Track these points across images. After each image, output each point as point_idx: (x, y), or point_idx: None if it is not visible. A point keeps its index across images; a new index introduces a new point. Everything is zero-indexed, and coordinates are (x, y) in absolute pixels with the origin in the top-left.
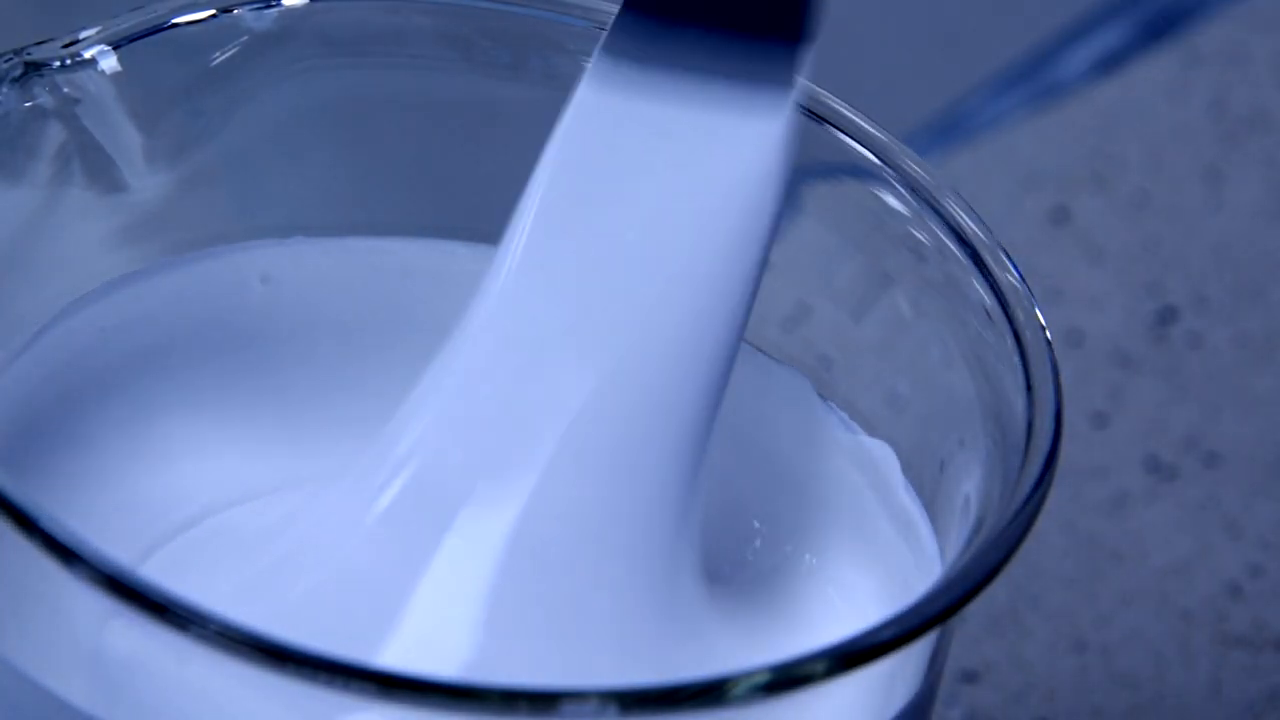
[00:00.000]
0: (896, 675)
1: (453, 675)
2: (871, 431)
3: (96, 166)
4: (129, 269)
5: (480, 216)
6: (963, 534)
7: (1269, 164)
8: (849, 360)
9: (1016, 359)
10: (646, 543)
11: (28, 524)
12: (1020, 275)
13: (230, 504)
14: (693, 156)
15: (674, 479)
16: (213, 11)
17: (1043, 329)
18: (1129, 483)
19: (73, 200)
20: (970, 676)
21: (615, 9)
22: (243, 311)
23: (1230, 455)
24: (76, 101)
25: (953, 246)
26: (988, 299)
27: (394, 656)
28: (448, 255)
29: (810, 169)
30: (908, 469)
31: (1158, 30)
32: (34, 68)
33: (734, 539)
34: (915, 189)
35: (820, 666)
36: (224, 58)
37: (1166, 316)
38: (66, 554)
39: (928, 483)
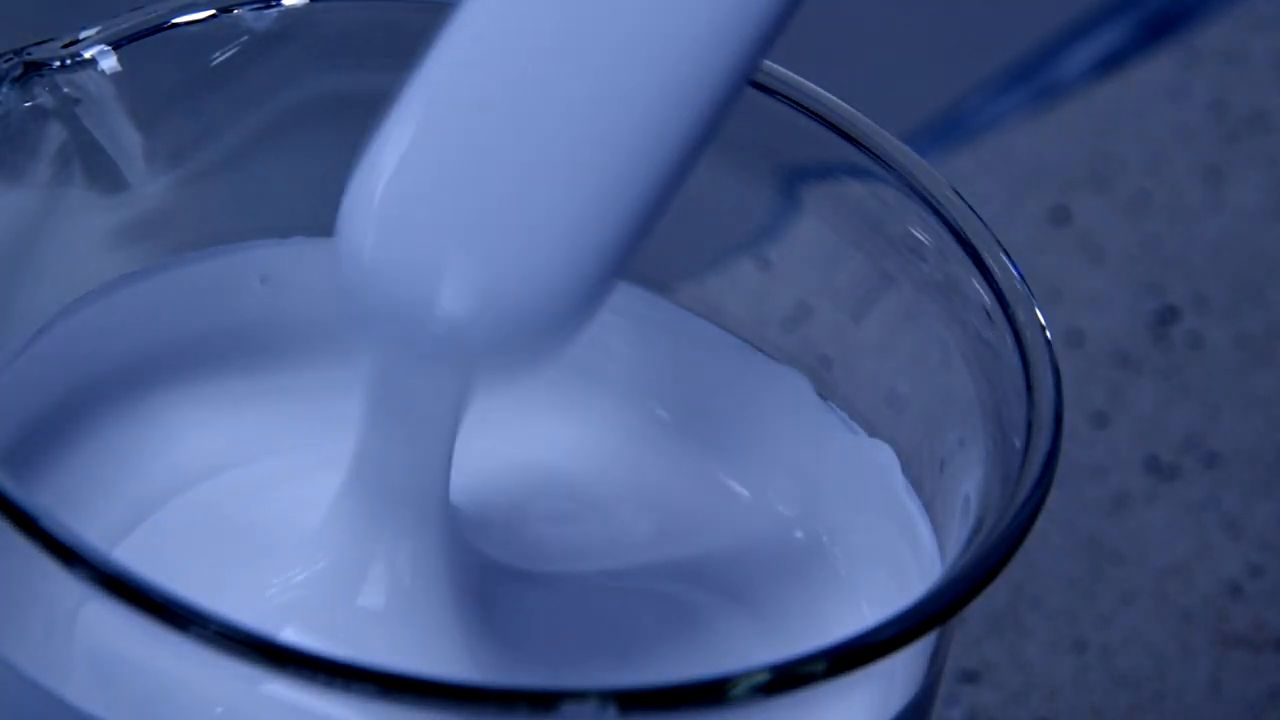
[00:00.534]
0: (896, 675)
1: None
2: (871, 431)
3: (96, 166)
4: (129, 269)
5: None
6: (963, 534)
7: (1269, 164)
8: (849, 360)
9: (1016, 359)
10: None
11: (28, 524)
12: (1020, 275)
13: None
14: None
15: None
16: (213, 11)
17: (1043, 329)
18: (1129, 483)
19: (73, 200)
20: (970, 676)
21: None
22: (242, 311)
23: (1230, 455)
24: (76, 101)
25: (953, 246)
26: (988, 299)
27: None
28: None
29: (810, 169)
30: (908, 469)
31: (1158, 30)
32: (34, 68)
33: (734, 538)
34: (915, 189)
35: (820, 666)
36: (224, 58)
37: (1166, 316)
38: (66, 554)
39: (928, 483)
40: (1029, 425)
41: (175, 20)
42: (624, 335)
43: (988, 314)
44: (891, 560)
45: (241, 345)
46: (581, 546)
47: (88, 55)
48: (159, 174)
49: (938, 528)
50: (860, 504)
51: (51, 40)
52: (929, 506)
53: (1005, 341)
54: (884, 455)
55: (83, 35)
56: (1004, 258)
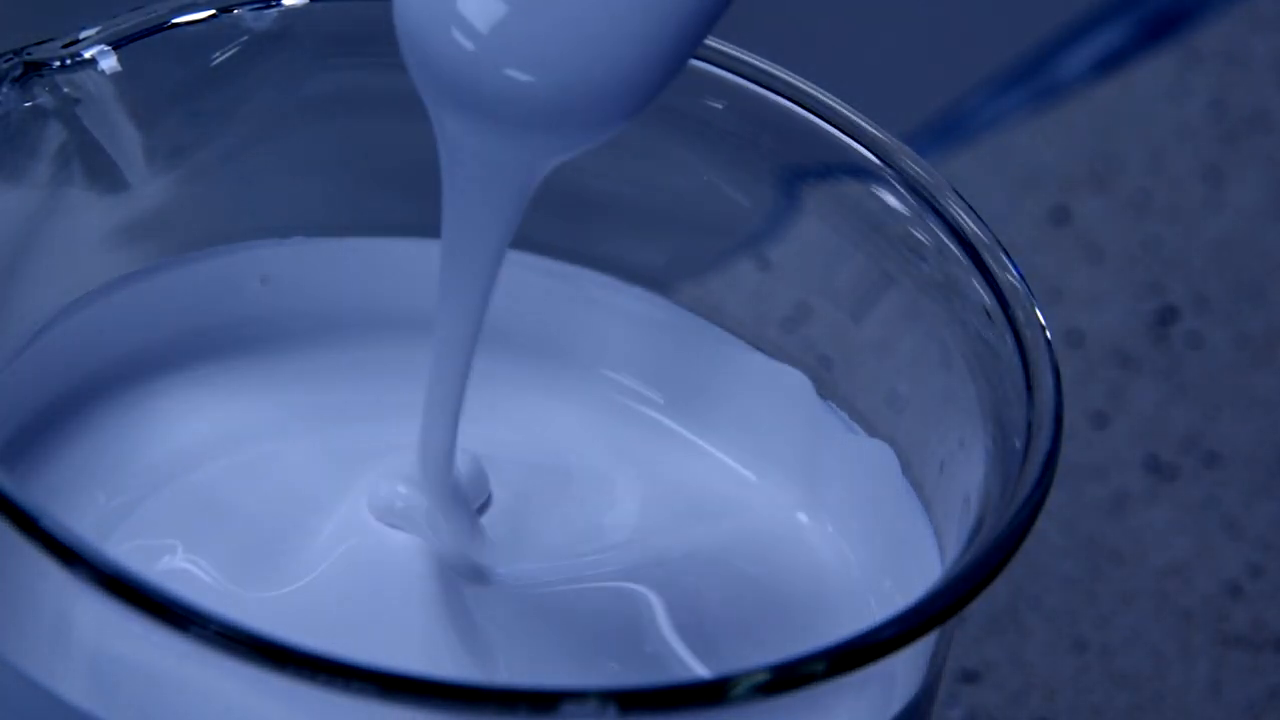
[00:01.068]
0: (896, 675)
1: None
2: (871, 431)
3: (96, 166)
4: (129, 269)
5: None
6: (963, 534)
7: (1269, 164)
8: (849, 360)
9: (1016, 359)
10: None
11: (28, 524)
12: (1020, 275)
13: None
14: None
15: None
16: (213, 11)
17: (1043, 329)
18: (1129, 483)
19: (73, 200)
20: (970, 676)
21: None
22: (242, 311)
23: (1230, 455)
24: (76, 101)
25: (953, 246)
26: (988, 299)
27: None
28: None
29: (810, 169)
30: (908, 469)
31: (1158, 30)
32: (34, 68)
33: (734, 538)
34: (915, 189)
35: (820, 666)
36: (224, 58)
37: (1166, 316)
38: (66, 554)
39: (928, 483)
40: (1029, 425)
41: (175, 20)
42: (625, 335)
43: (988, 314)
44: (891, 559)
45: (241, 345)
46: (582, 532)
47: (88, 55)
48: (159, 174)
49: (938, 528)
50: (860, 504)
51: (51, 40)
52: (929, 506)
53: (1005, 341)
54: (884, 455)
55: (83, 35)
56: (1004, 258)
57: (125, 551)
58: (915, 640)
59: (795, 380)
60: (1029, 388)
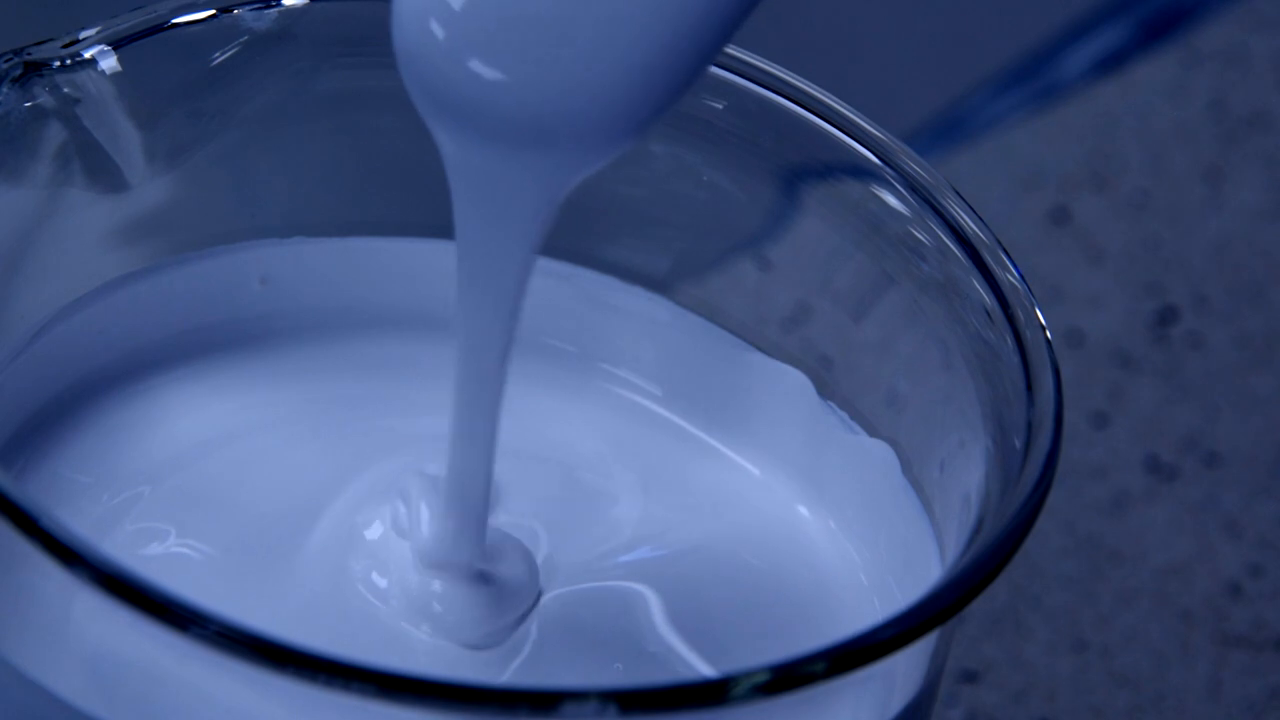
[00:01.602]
0: (896, 675)
1: None
2: (872, 431)
3: (96, 166)
4: (129, 269)
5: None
6: (963, 534)
7: (1269, 164)
8: (849, 360)
9: (1016, 359)
10: None
11: (28, 524)
12: (1020, 275)
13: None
14: None
15: None
16: (213, 11)
17: (1043, 329)
18: (1129, 483)
19: (73, 200)
20: (970, 676)
21: None
22: (242, 312)
23: (1230, 455)
24: (76, 101)
25: (953, 246)
26: (988, 299)
27: None
28: (447, 255)
29: (810, 169)
30: (908, 469)
31: (1158, 30)
32: (34, 68)
33: (737, 533)
34: (915, 189)
35: (820, 666)
36: (224, 58)
37: (1166, 316)
38: (66, 554)
39: (928, 483)
40: (1029, 425)
41: (175, 20)
42: (625, 334)
43: (988, 314)
44: (891, 559)
45: (241, 345)
46: (584, 530)
47: (88, 55)
48: (159, 174)
49: (938, 528)
50: (860, 503)
51: (51, 40)
52: (929, 506)
53: (1005, 341)
54: (884, 455)
55: (83, 35)
56: (1004, 258)
57: (126, 550)
58: (915, 640)
59: (795, 380)
60: (1029, 388)
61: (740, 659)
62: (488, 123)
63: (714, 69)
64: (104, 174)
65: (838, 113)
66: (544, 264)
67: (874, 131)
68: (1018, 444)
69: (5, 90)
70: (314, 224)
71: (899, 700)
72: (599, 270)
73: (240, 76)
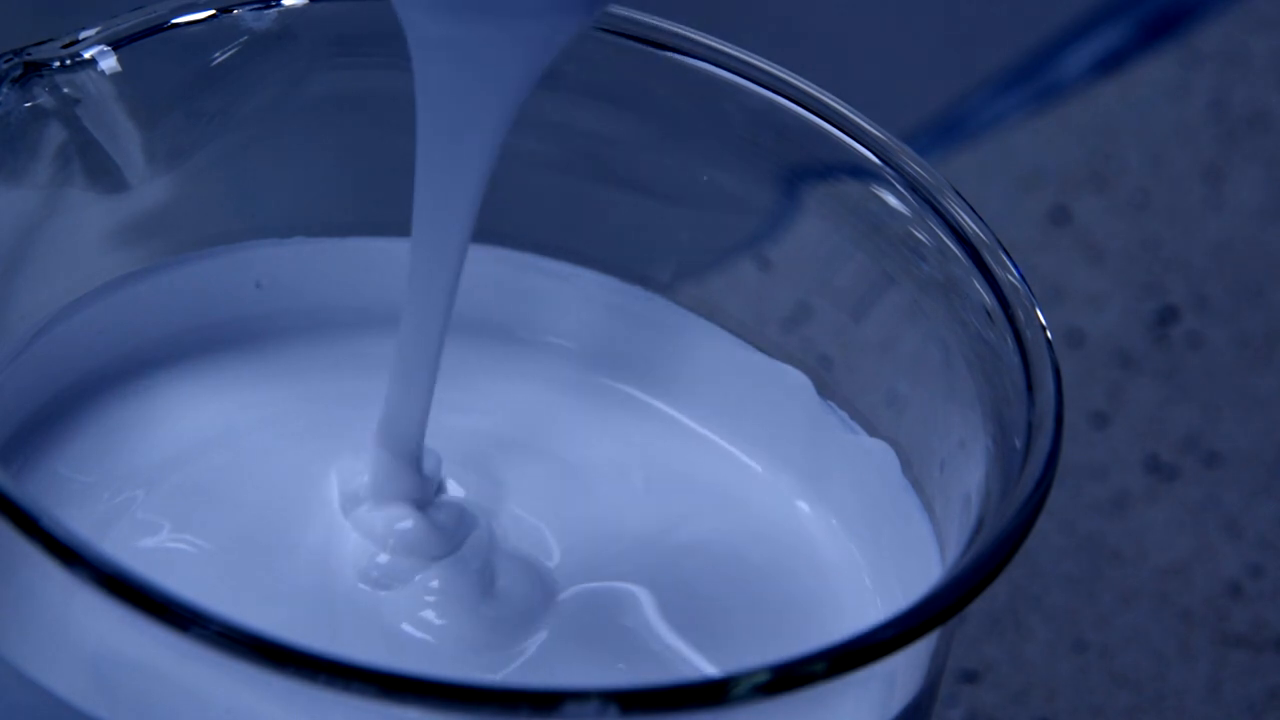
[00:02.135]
0: (897, 675)
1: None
2: (872, 431)
3: (96, 166)
4: (129, 269)
5: (479, 216)
6: (963, 534)
7: (1269, 164)
8: (849, 360)
9: (1016, 359)
10: None
11: (28, 524)
12: (1020, 275)
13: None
14: None
15: None
16: (213, 11)
17: (1043, 329)
18: (1129, 483)
19: (73, 200)
20: (970, 676)
21: None
22: (242, 312)
23: (1230, 455)
24: (76, 101)
25: (953, 246)
26: (988, 299)
27: None
28: None
29: (810, 169)
30: (908, 469)
31: (1158, 30)
32: (34, 68)
33: (738, 530)
34: (915, 189)
35: (820, 666)
36: (224, 58)
37: (1166, 316)
38: (66, 554)
39: (928, 483)
40: (1029, 425)
41: (175, 20)
42: (625, 334)
43: (988, 314)
44: (891, 559)
45: (241, 346)
46: (585, 528)
47: (88, 55)
48: (159, 174)
49: (938, 528)
50: (861, 503)
51: (51, 40)
52: (929, 506)
53: (1005, 341)
54: (884, 455)
55: (83, 35)
56: (1004, 258)
57: (126, 548)
58: (916, 640)
59: (795, 380)
60: (1029, 388)
61: (744, 658)
62: None
63: (714, 69)
64: (104, 174)
65: (838, 113)
66: (544, 264)
67: (874, 131)
68: (1018, 444)
69: (5, 90)
70: (313, 224)
71: (899, 700)
72: (599, 270)
73: (240, 77)
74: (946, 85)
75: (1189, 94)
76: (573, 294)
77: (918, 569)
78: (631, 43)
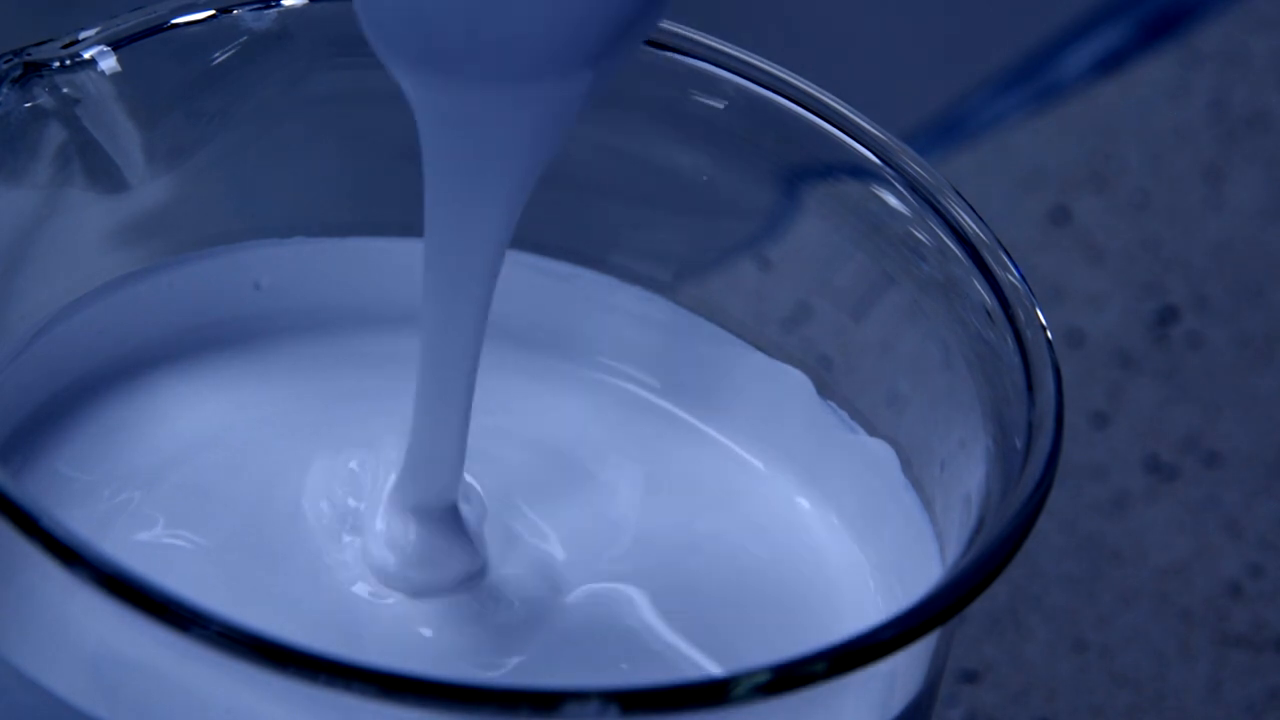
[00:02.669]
0: (897, 675)
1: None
2: (872, 431)
3: (96, 166)
4: (129, 269)
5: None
6: (963, 534)
7: (1269, 164)
8: (849, 360)
9: (1017, 359)
10: None
11: (28, 524)
12: (1020, 275)
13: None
14: None
15: None
16: (213, 11)
17: (1043, 329)
18: (1129, 483)
19: (73, 200)
20: (970, 676)
21: None
22: (242, 312)
23: (1230, 455)
24: (76, 101)
25: (953, 246)
26: (988, 299)
27: None
28: None
29: (810, 169)
30: (908, 469)
31: (1158, 30)
32: (34, 68)
33: (737, 535)
34: (915, 189)
35: (820, 667)
36: (224, 58)
37: (1166, 316)
38: (66, 554)
39: (928, 482)
40: (1029, 425)
41: (175, 20)
42: (624, 334)
43: (988, 314)
44: (891, 558)
45: (241, 346)
46: (587, 526)
47: (88, 55)
48: (159, 174)
49: (938, 528)
50: (861, 502)
51: (51, 40)
52: (929, 506)
53: (1005, 341)
54: (884, 455)
55: (83, 35)
56: (1004, 258)
57: (125, 547)
58: (916, 640)
59: (795, 380)
60: (1029, 388)
61: (748, 657)
62: (465, 56)
63: (714, 69)
64: (104, 174)
65: (838, 113)
66: (544, 264)
67: (874, 131)
68: (1018, 444)
69: (5, 90)
70: (313, 224)
71: (899, 700)
72: (599, 270)
73: (240, 77)
74: (946, 85)
75: (1189, 94)
76: (573, 294)
77: (918, 569)
78: None
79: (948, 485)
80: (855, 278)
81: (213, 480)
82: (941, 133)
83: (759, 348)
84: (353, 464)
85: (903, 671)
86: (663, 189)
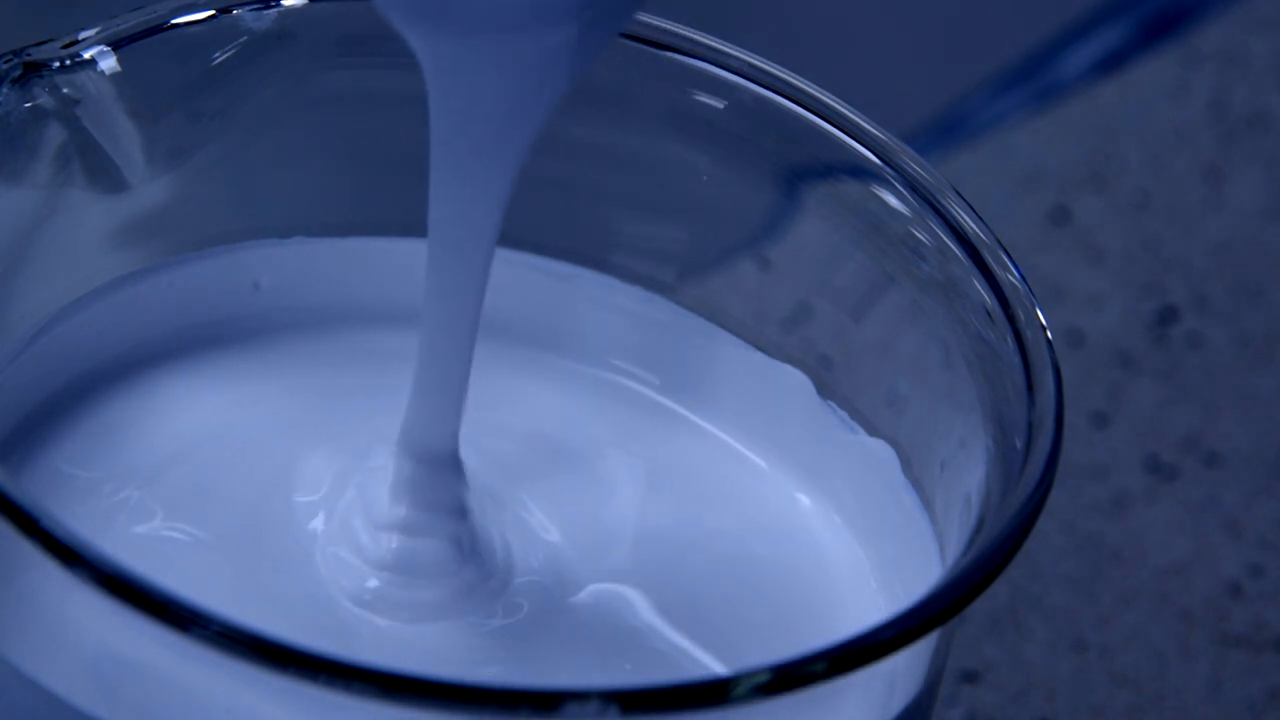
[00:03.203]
0: (897, 675)
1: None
2: (872, 431)
3: (96, 166)
4: (129, 269)
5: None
6: (963, 534)
7: (1269, 164)
8: (849, 360)
9: (1017, 359)
10: None
11: (28, 524)
12: (1020, 275)
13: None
14: None
15: None
16: (213, 11)
17: (1043, 329)
18: (1129, 483)
19: (73, 200)
20: (970, 676)
21: None
22: (242, 312)
23: (1230, 455)
24: (76, 102)
25: (953, 246)
26: (988, 299)
27: None
28: None
29: (810, 169)
30: (908, 469)
31: (1158, 30)
32: (34, 68)
33: (739, 534)
34: (915, 189)
35: (820, 667)
36: (224, 58)
37: (1166, 316)
38: (66, 554)
39: (928, 482)
40: (1029, 425)
41: (175, 20)
42: (624, 334)
43: (988, 314)
44: (891, 558)
45: (241, 346)
46: (587, 525)
47: (87, 55)
48: (159, 174)
49: (938, 528)
50: (861, 502)
51: (51, 40)
52: (929, 506)
53: (1005, 341)
54: (884, 455)
55: (82, 35)
56: (1004, 258)
57: (125, 546)
58: (916, 640)
59: (795, 380)
60: (1029, 388)
61: (750, 656)
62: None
63: (714, 69)
64: (104, 174)
65: (838, 113)
66: (544, 264)
67: (874, 131)
68: (1018, 444)
69: (5, 90)
70: (313, 224)
71: (899, 700)
72: (598, 270)
73: (240, 77)
74: (946, 85)
75: (1189, 94)
76: (573, 294)
77: (918, 569)
78: (632, 43)
79: (948, 485)
80: (855, 278)
81: (212, 478)
82: (941, 133)
83: (759, 347)
84: (352, 462)
85: (903, 671)
86: (663, 189)
